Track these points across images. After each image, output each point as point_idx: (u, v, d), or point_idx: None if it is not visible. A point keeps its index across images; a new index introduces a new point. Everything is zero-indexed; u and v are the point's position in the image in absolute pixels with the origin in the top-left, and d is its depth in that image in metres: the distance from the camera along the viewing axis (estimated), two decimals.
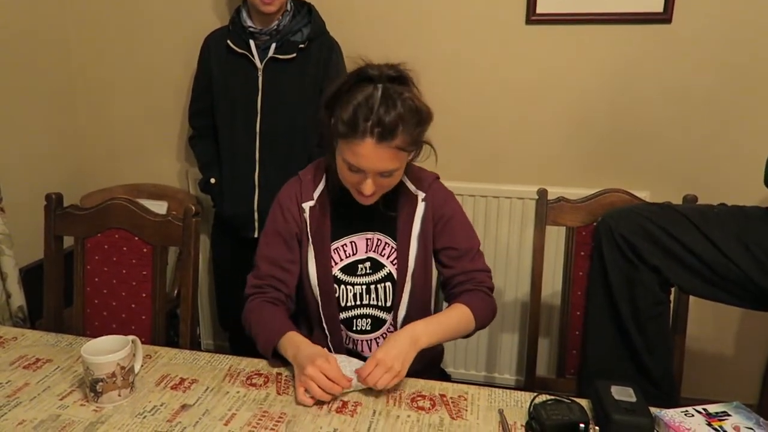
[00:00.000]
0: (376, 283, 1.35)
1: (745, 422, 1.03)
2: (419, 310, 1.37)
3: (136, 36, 2.37)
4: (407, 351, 1.16)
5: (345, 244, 1.36)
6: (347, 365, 1.17)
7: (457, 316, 1.29)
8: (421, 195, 1.36)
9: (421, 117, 1.21)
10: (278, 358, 1.24)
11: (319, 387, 1.10)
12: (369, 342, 1.38)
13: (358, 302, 1.36)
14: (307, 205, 1.34)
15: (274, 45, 1.91)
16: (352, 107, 1.17)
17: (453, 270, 1.37)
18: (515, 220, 2.17)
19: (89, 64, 2.44)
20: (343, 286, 1.35)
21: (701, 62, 1.98)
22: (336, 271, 1.34)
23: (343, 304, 1.35)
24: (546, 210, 1.56)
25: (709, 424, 1.02)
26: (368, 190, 1.21)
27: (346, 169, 1.22)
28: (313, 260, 1.33)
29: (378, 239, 1.36)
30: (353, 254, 1.36)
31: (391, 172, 1.22)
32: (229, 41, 1.94)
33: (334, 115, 1.21)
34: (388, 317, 1.37)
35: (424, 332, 1.20)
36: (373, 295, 1.36)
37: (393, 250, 1.35)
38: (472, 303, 1.31)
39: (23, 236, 2.10)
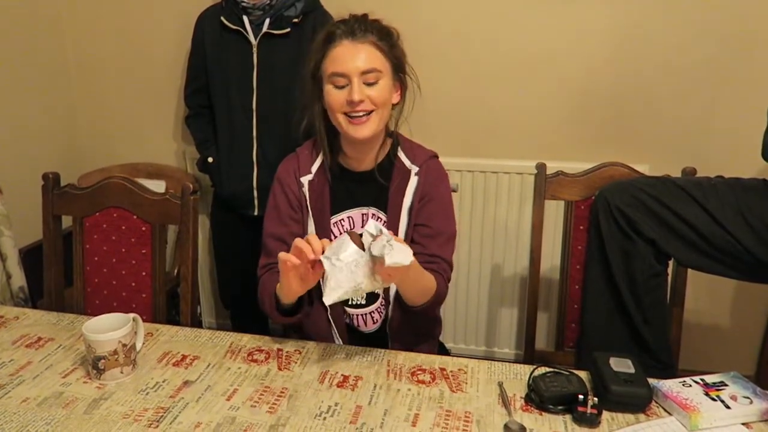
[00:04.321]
0: None
1: (743, 392, 1.04)
2: None
3: (130, 13, 2.34)
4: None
5: (343, 219, 1.37)
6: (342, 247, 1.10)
7: (430, 281, 1.28)
8: (414, 169, 1.36)
9: (390, 33, 1.30)
10: (291, 315, 1.26)
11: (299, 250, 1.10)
12: (364, 316, 1.39)
13: None
14: (305, 179, 1.35)
15: (267, 20, 1.89)
16: (327, 31, 1.28)
17: (421, 248, 1.34)
18: (514, 195, 2.17)
19: (83, 43, 2.41)
20: None
21: (701, 34, 1.96)
22: None
23: None
24: (545, 184, 1.56)
25: (707, 394, 1.04)
26: (357, 95, 1.23)
27: (333, 88, 1.26)
28: (314, 234, 1.33)
29: (372, 214, 1.37)
30: (351, 229, 1.36)
31: (373, 72, 1.25)
32: (222, 18, 1.92)
33: (316, 59, 1.28)
34: (380, 291, 1.37)
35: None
36: None
37: (384, 223, 1.36)
38: (437, 281, 1.31)
39: (22, 217, 2.09)
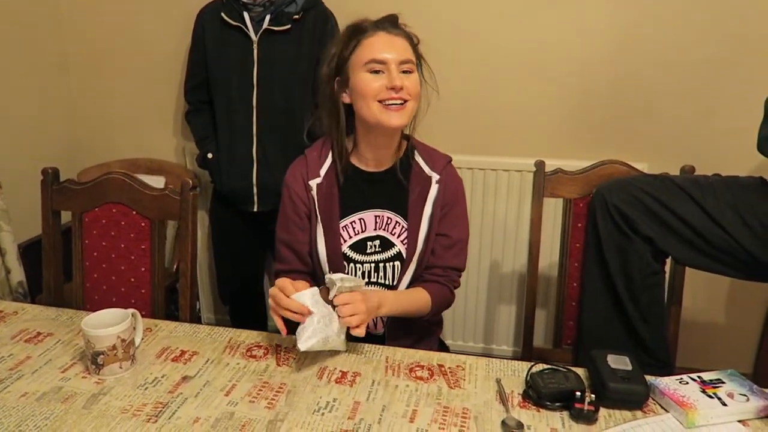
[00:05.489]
0: (385, 261, 1.36)
1: (739, 389, 1.05)
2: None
3: (131, 8, 2.33)
4: (370, 313, 1.19)
5: (354, 221, 1.35)
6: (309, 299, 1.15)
7: (420, 301, 1.34)
8: (435, 177, 1.36)
9: (413, 38, 1.32)
10: None
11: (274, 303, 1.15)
12: (374, 318, 1.38)
13: (366, 279, 1.37)
14: (314, 183, 1.34)
15: (268, 17, 1.88)
16: (351, 28, 1.28)
17: (436, 260, 1.38)
18: (513, 193, 2.17)
19: (83, 38, 2.41)
20: (352, 264, 1.36)
21: (700, 34, 1.96)
22: (345, 248, 1.35)
23: None
24: (543, 182, 1.56)
25: (704, 391, 1.04)
26: (398, 79, 1.23)
27: (368, 75, 1.25)
28: (323, 237, 1.33)
29: (388, 217, 1.36)
30: (362, 231, 1.36)
31: (409, 63, 1.26)
32: (222, 14, 1.92)
33: (342, 55, 1.28)
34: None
35: (389, 304, 1.26)
36: (381, 273, 1.37)
37: (404, 229, 1.36)
38: (435, 296, 1.36)
39: (21, 212, 2.10)
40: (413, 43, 1.31)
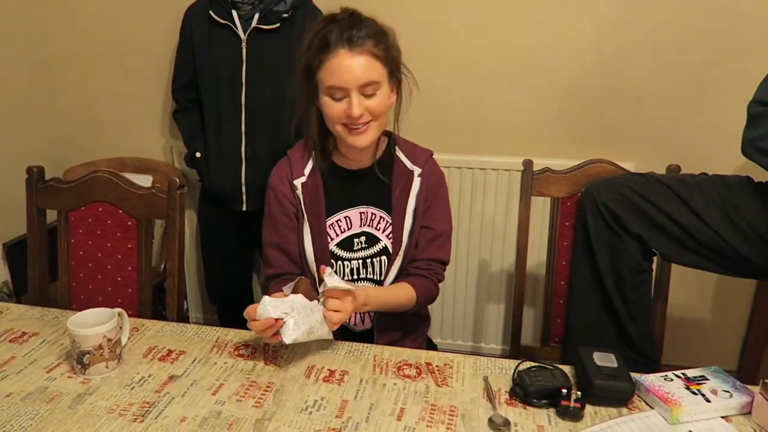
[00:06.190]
0: (372, 257, 1.36)
1: (723, 386, 1.06)
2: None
3: (118, 5, 2.31)
4: (353, 309, 1.20)
5: (339, 220, 1.36)
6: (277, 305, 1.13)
7: (404, 296, 1.35)
8: (417, 171, 1.36)
9: (386, 35, 1.26)
10: None
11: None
12: (362, 315, 1.39)
13: (355, 276, 1.37)
14: (299, 182, 1.34)
15: (257, 15, 1.88)
16: (321, 34, 1.22)
17: (420, 253, 1.39)
18: (501, 192, 2.18)
19: (70, 35, 2.38)
20: (339, 262, 1.36)
21: (688, 34, 1.97)
22: (332, 246, 1.35)
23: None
24: (531, 181, 1.56)
25: (688, 388, 1.05)
26: (357, 110, 1.20)
27: (330, 100, 1.23)
28: (309, 237, 1.34)
29: (372, 213, 1.36)
30: (348, 229, 1.36)
31: (372, 84, 1.22)
32: (211, 12, 1.90)
33: (310, 62, 1.24)
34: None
35: (373, 300, 1.27)
36: (369, 269, 1.37)
37: (388, 224, 1.36)
38: (420, 289, 1.37)
39: (6, 211, 2.08)
40: (382, 50, 1.23)
